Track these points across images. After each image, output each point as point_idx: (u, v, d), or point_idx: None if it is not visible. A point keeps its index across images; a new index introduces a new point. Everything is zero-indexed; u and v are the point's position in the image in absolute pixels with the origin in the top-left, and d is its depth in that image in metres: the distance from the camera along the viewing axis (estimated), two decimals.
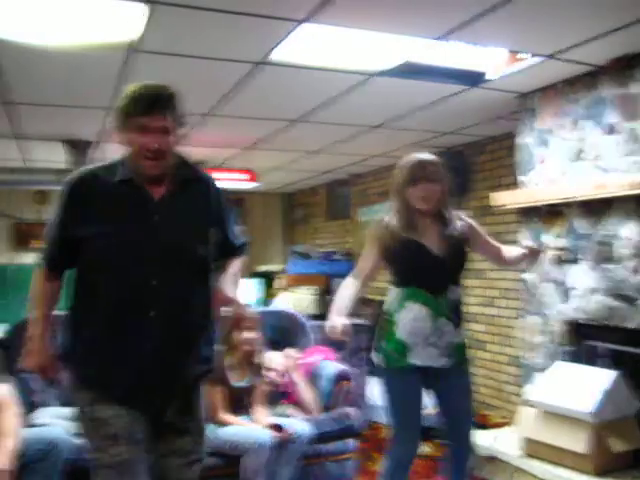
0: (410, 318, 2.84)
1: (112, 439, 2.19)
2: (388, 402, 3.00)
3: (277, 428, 3.53)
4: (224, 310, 2.44)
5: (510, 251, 3.33)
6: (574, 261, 3.86)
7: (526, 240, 3.90)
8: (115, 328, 2.20)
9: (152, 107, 2.12)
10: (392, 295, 2.96)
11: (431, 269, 2.85)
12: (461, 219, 3.00)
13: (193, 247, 2.29)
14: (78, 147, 5.82)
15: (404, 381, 2.91)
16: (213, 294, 2.41)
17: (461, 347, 2.95)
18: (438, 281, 2.86)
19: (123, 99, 2.17)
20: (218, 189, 2.46)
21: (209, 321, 2.40)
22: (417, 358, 2.84)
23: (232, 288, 2.48)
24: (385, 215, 2.99)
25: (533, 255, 3.45)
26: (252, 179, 6.63)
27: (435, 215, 2.90)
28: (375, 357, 2.99)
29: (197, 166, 2.44)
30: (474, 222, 3.07)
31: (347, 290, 3.00)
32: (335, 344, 3.39)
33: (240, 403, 3.76)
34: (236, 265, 2.56)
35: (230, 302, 2.43)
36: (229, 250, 2.51)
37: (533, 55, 3.53)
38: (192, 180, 2.36)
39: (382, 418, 5.23)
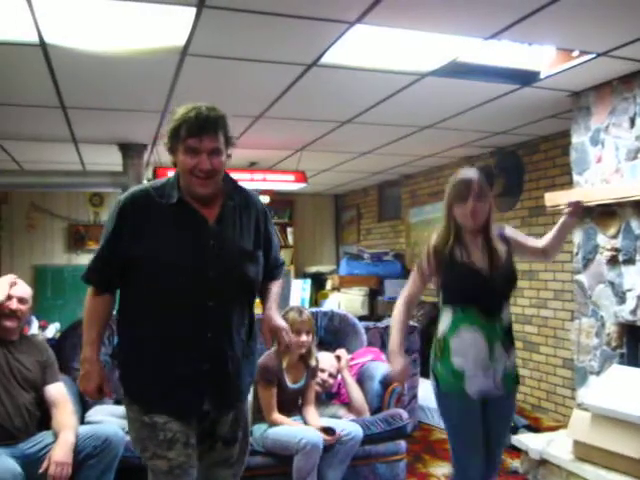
0: (466, 344, 2.76)
1: (168, 443, 2.25)
2: (446, 425, 2.93)
3: (329, 431, 3.54)
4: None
5: (548, 239, 3.10)
6: (630, 262, 3.78)
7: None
8: (172, 349, 2.25)
9: (203, 129, 2.17)
10: (446, 316, 2.85)
11: (483, 291, 2.78)
12: (501, 234, 2.92)
13: (246, 269, 2.34)
14: (133, 150, 5.96)
15: (461, 406, 2.82)
16: (262, 319, 2.50)
17: (511, 376, 2.86)
18: (491, 303, 2.79)
19: (173, 121, 2.23)
20: (265, 210, 2.51)
21: (254, 340, 2.48)
22: (473, 388, 2.76)
23: (278, 315, 2.54)
24: (434, 233, 2.93)
25: (575, 209, 3.06)
26: (303, 180, 6.67)
27: (481, 233, 2.84)
28: (432, 379, 2.91)
29: (247, 189, 2.48)
30: (510, 229, 3.00)
31: (400, 319, 2.92)
32: None
33: (293, 404, 3.79)
34: (277, 286, 2.63)
35: (276, 329, 2.47)
36: (272, 271, 2.57)
37: (585, 53, 3.48)
38: (243, 203, 2.40)
39: (432, 420, 5.23)
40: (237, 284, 2.32)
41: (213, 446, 2.42)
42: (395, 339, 2.88)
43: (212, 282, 2.25)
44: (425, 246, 2.91)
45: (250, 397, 3.67)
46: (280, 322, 2.50)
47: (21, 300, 3.28)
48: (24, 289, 3.35)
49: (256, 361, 2.57)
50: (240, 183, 2.46)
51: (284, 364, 3.70)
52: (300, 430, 3.55)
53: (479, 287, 2.79)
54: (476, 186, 2.76)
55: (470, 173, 2.85)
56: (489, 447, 2.89)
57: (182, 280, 2.23)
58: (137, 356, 2.31)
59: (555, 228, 3.07)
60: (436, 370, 2.87)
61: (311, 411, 3.78)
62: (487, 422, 2.86)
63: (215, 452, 2.43)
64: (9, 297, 3.23)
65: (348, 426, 3.66)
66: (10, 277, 3.35)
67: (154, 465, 2.28)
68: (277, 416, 3.63)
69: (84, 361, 2.34)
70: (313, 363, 3.81)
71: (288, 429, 3.56)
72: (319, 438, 3.46)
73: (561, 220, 3.06)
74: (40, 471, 2.92)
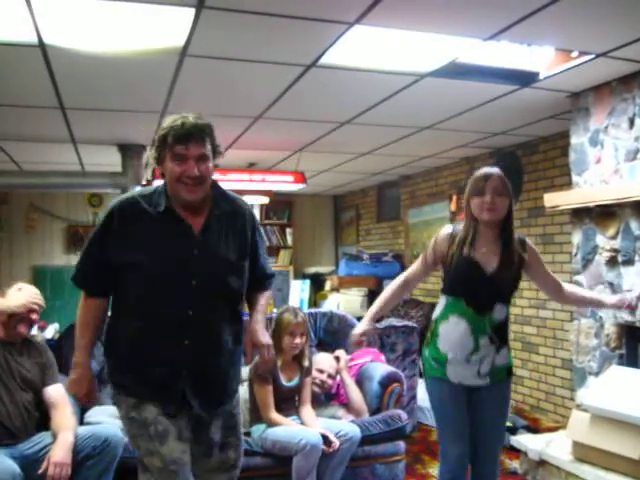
0: (451, 331, 2.83)
1: (160, 438, 2.27)
2: (433, 410, 3.02)
3: (325, 441, 3.51)
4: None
5: (575, 289, 3.19)
6: (629, 263, 3.78)
7: (629, 293, 3.42)
8: (150, 353, 2.30)
9: (190, 136, 2.21)
10: (441, 303, 2.94)
11: (480, 288, 2.81)
12: (524, 243, 2.92)
13: (228, 280, 2.36)
14: (132, 151, 5.96)
15: (443, 390, 2.88)
16: (245, 332, 2.51)
17: (502, 369, 2.89)
18: (485, 300, 2.82)
19: (161, 130, 2.26)
20: (254, 219, 2.52)
21: (238, 350, 2.49)
22: (452, 374, 2.83)
23: (263, 330, 2.53)
24: (454, 225, 2.97)
25: (628, 307, 3.14)
26: (302, 181, 6.67)
27: (499, 232, 2.84)
28: (420, 361, 3.01)
29: (235, 197, 2.50)
30: (536, 249, 2.99)
31: (389, 291, 3.04)
32: None
33: (290, 403, 3.79)
34: (264, 299, 2.63)
35: (259, 345, 2.49)
36: (259, 282, 2.58)
37: (584, 53, 3.48)
38: (230, 211, 2.42)
39: (432, 420, 5.22)
40: (219, 294, 2.35)
41: (209, 452, 2.44)
42: (373, 306, 3.01)
43: (195, 291, 2.29)
44: (435, 234, 2.96)
45: (245, 396, 3.69)
46: (264, 338, 2.50)
47: (36, 306, 3.33)
48: (36, 296, 3.37)
49: (240, 367, 2.59)
50: (228, 191, 2.48)
51: (279, 363, 3.72)
52: (299, 430, 3.55)
53: (478, 286, 2.81)
54: (495, 180, 2.78)
55: (490, 169, 2.87)
56: (484, 442, 2.90)
57: (165, 288, 2.27)
58: (118, 355, 2.37)
59: (591, 295, 3.19)
60: (423, 354, 2.97)
61: (308, 411, 3.78)
62: (476, 413, 2.89)
63: (212, 458, 2.45)
64: (30, 310, 3.25)
65: (346, 427, 3.66)
66: (34, 289, 3.38)
67: (149, 463, 2.28)
68: (275, 415, 3.62)
69: (76, 365, 2.38)
70: (306, 363, 3.82)
71: (287, 429, 3.56)
72: (319, 438, 3.46)
73: (603, 300, 3.15)
74: (39, 472, 2.92)
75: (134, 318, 2.30)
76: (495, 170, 2.85)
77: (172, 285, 2.27)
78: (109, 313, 2.43)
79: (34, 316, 3.29)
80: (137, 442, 2.32)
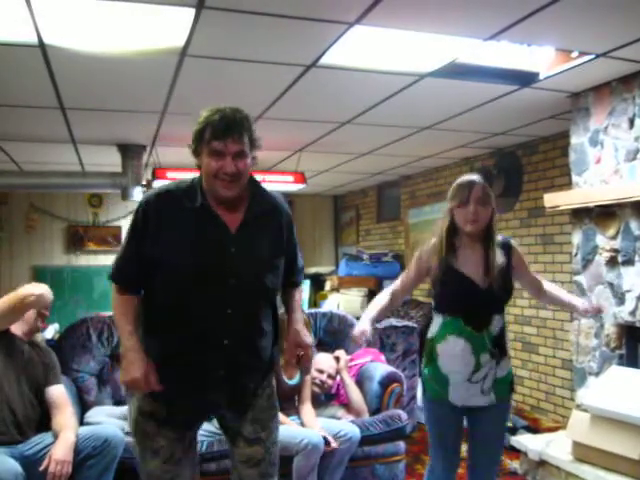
0: (451, 352, 2.75)
1: (153, 453, 2.28)
2: (427, 425, 2.97)
3: (324, 441, 3.52)
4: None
5: (554, 290, 3.14)
6: (629, 263, 3.78)
7: (588, 302, 3.48)
8: (186, 354, 2.24)
9: (227, 131, 2.14)
10: (436, 322, 2.85)
11: (475, 303, 2.75)
12: (505, 244, 2.86)
13: (265, 279, 2.31)
14: (132, 151, 5.96)
15: (444, 415, 2.84)
16: (285, 331, 2.49)
17: (504, 381, 2.83)
18: (482, 315, 2.76)
19: (197, 124, 2.20)
20: (290, 217, 2.45)
21: (273, 348, 2.46)
22: (457, 396, 2.76)
23: (305, 331, 2.51)
24: (433, 234, 2.89)
25: (593, 312, 3.14)
26: (302, 181, 6.67)
27: (482, 240, 2.78)
28: (421, 383, 2.94)
29: (273, 194, 2.43)
30: (519, 249, 2.94)
31: (378, 301, 2.97)
32: None
33: (290, 403, 3.80)
34: (300, 293, 2.61)
35: (302, 346, 2.47)
36: (292, 278, 2.53)
37: (584, 53, 3.48)
38: (268, 210, 2.36)
39: None
40: (256, 293, 2.30)
41: (235, 442, 2.41)
42: (367, 312, 2.91)
43: (231, 290, 2.22)
44: (420, 248, 2.90)
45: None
46: (308, 339, 2.48)
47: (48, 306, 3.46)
48: (49, 295, 3.44)
49: (273, 368, 2.54)
50: (266, 188, 2.41)
51: (281, 361, 3.73)
52: (300, 431, 3.55)
53: (469, 298, 2.75)
54: (478, 190, 2.72)
55: (472, 177, 2.81)
56: (478, 456, 2.90)
57: (200, 286, 2.20)
58: (150, 353, 2.26)
59: (565, 297, 3.13)
60: (423, 374, 2.90)
61: (308, 409, 3.78)
62: (476, 430, 2.87)
63: (238, 449, 2.40)
64: (45, 307, 3.40)
65: (345, 427, 3.66)
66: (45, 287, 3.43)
67: (140, 464, 2.33)
68: None
69: (127, 351, 2.24)
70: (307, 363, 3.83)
71: (287, 429, 3.55)
72: (320, 438, 3.46)
73: (574, 302, 3.11)
74: (40, 468, 2.93)
75: (167, 319, 2.24)
76: (477, 178, 2.79)
77: (208, 283, 2.20)
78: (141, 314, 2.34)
79: (46, 312, 3.42)
80: (136, 440, 2.34)
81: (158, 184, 5.14)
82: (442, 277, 2.77)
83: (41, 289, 3.27)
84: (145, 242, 2.21)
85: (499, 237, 2.84)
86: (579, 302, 3.14)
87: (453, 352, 2.74)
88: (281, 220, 2.39)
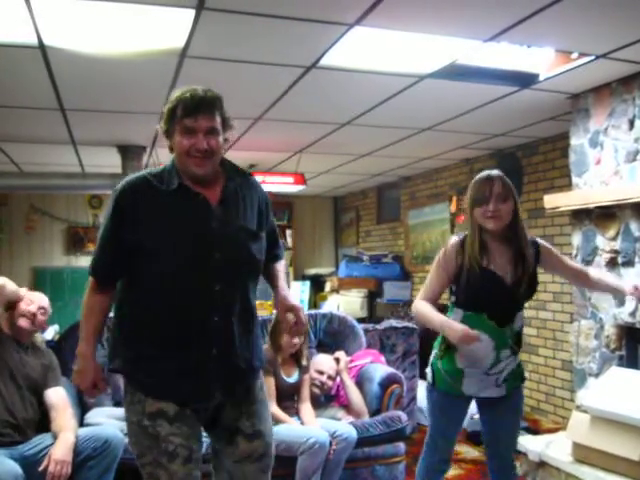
0: (472, 349, 2.67)
1: (170, 456, 2.21)
2: (430, 417, 2.97)
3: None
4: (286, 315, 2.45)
5: (601, 277, 3.03)
6: (629, 264, 3.78)
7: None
8: (178, 336, 2.23)
9: (199, 108, 2.15)
10: (456, 317, 2.76)
11: (502, 301, 2.71)
12: (536, 244, 2.80)
13: (251, 251, 2.31)
14: (132, 152, 5.96)
15: (451, 407, 2.84)
16: (275, 298, 2.48)
17: (517, 374, 2.83)
18: (507, 312, 2.73)
19: (169, 103, 2.21)
20: (265, 194, 2.48)
21: (257, 320, 2.45)
22: (472, 388, 2.76)
23: (290, 293, 2.50)
24: (458, 235, 2.83)
25: (637, 295, 2.95)
26: (302, 182, 6.67)
27: (506, 238, 2.72)
28: (429, 373, 2.89)
29: (246, 170, 2.46)
30: (546, 244, 2.87)
31: (429, 307, 2.77)
32: None
33: (289, 403, 3.80)
34: (283, 266, 2.60)
35: (292, 308, 2.42)
36: (275, 251, 2.54)
37: (584, 55, 3.48)
38: (245, 184, 2.39)
39: None
40: (243, 264, 2.29)
41: (232, 440, 2.36)
42: (436, 317, 2.70)
43: (218, 264, 2.22)
44: (444, 248, 2.81)
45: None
46: (295, 302, 2.45)
47: (43, 310, 3.41)
48: (44, 299, 3.46)
49: (262, 345, 2.52)
50: (238, 165, 2.43)
51: (279, 359, 3.74)
52: (305, 430, 3.55)
53: (497, 296, 2.71)
54: (498, 186, 2.66)
55: (492, 173, 2.74)
56: (498, 449, 2.91)
57: (185, 265, 2.19)
58: (139, 347, 2.25)
59: (612, 282, 3.03)
60: (435, 365, 2.85)
61: (307, 408, 3.79)
62: (493, 423, 2.88)
63: (237, 448, 2.36)
64: (26, 302, 3.36)
65: (341, 428, 3.65)
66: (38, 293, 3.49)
67: (154, 472, 2.23)
68: (275, 408, 3.61)
69: (79, 356, 2.30)
70: (304, 362, 3.85)
71: (290, 429, 3.55)
72: (327, 437, 3.46)
73: (621, 286, 2.96)
74: (40, 468, 2.93)
75: (156, 301, 2.22)
76: (496, 173, 2.72)
77: (194, 261, 2.19)
78: (122, 303, 2.33)
79: (37, 313, 3.35)
80: (143, 451, 2.25)
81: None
82: (470, 277, 2.69)
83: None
84: (124, 231, 2.21)
85: (526, 235, 2.76)
86: (626, 285, 2.99)
87: (475, 347, 2.66)
88: (259, 195, 2.42)
